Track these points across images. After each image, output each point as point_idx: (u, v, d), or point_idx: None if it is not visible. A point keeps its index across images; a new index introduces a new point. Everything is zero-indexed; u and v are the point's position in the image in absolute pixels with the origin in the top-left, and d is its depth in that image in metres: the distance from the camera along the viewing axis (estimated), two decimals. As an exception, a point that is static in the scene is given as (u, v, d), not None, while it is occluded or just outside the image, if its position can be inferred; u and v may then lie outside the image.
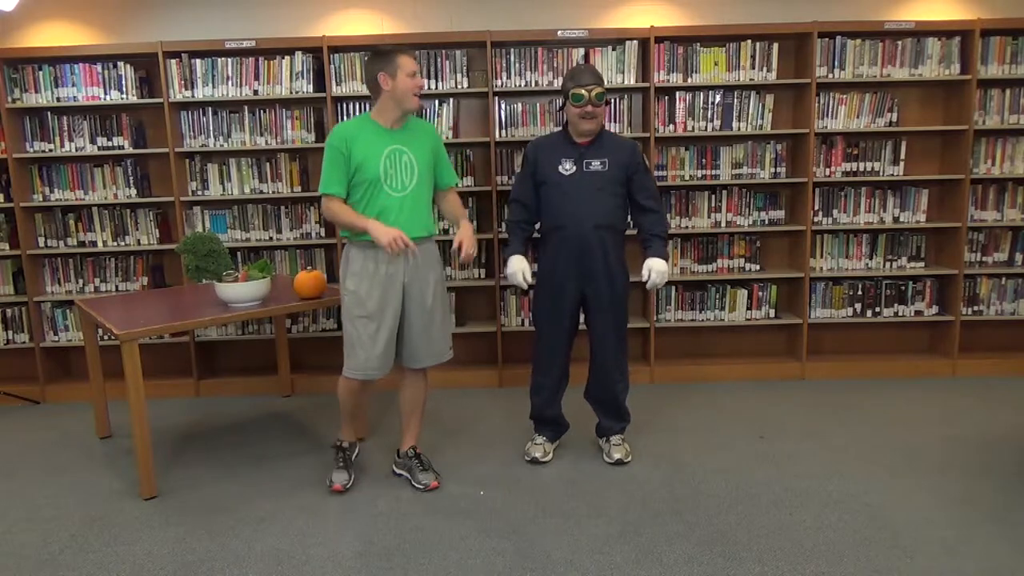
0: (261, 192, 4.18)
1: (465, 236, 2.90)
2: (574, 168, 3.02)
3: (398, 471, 3.14)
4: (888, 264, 4.29)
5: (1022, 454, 3.19)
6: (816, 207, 4.18)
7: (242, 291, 3.19)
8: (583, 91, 2.94)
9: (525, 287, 3.12)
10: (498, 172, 4.10)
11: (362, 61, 4.01)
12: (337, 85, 4.03)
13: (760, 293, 4.25)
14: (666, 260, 3.06)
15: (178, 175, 4.09)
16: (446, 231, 4.14)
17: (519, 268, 3.09)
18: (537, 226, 3.19)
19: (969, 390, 4.01)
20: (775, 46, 4.04)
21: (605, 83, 3.22)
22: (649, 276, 3.03)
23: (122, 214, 4.19)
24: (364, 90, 4.00)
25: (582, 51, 4.04)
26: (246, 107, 4.09)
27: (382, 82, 2.80)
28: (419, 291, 2.92)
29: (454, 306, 4.24)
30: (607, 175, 3.01)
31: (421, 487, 2.99)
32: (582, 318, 3.20)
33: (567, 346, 3.19)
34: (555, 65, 4.04)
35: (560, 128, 3.14)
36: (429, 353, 3.00)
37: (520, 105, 4.11)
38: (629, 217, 3.17)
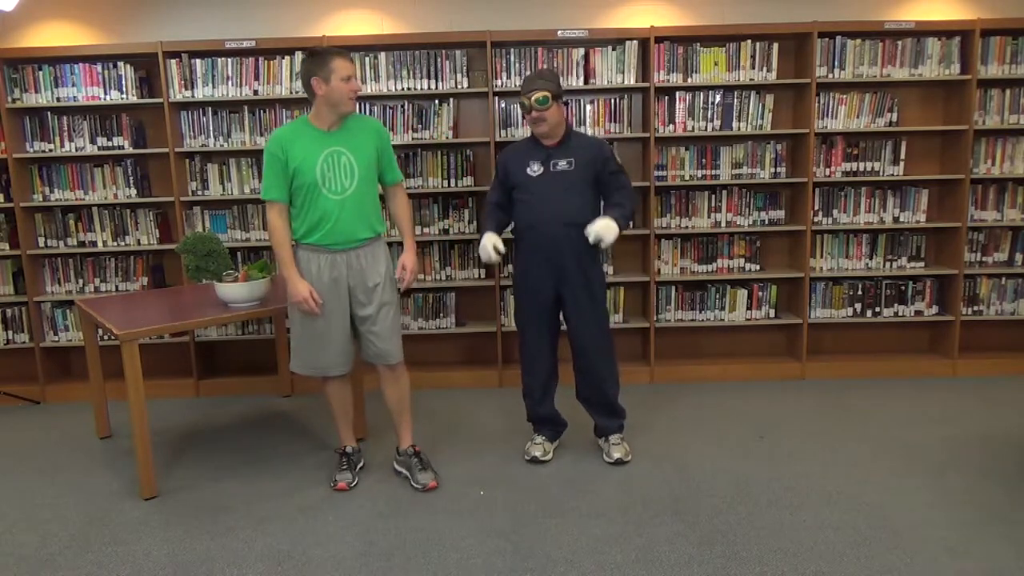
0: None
1: (409, 261, 3.00)
2: (541, 169, 3.04)
3: (399, 468, 3.14)
4: (888, 264, 4.29)
5: (1023, 454, 3.19)
6: (816, 207, 4.18)
7: (242, 291, 3.19)
8: (525, 99, 2.97)
9: (495, 257, 3.09)
10: (498, 172, 4.10)
11: (361, 62, 4.01)
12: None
13: (760, 293, 4.25)
14: (615, 222, 2.96)
15: (178, 175, 4.09)
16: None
17: (489, 242, 3.08)
18: (511, 227, 3.20)
19: (969, 390, 4.00)
20: (775, 46, 4.04)
21: (561, 83, 3.15)
22: (593, 234, 2.95)
23: (122, 214, 4.19)
24: (366, 90, 4.00)
25: (582, 51, 4.04)
26: (246, 107, 4.09)
27: (315, 86, 2.77)
28: (366, 292, 2.93)
29: (454, 306, 4.24)
30: (574, 174, 3.03)
31: (419, 487, 2.99)
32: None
33: (551, 346, 3.20)
34: (555, 65, 4.03)
35: (531, 133, 3.14)
36: (390, 350, 3.00)
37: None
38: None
